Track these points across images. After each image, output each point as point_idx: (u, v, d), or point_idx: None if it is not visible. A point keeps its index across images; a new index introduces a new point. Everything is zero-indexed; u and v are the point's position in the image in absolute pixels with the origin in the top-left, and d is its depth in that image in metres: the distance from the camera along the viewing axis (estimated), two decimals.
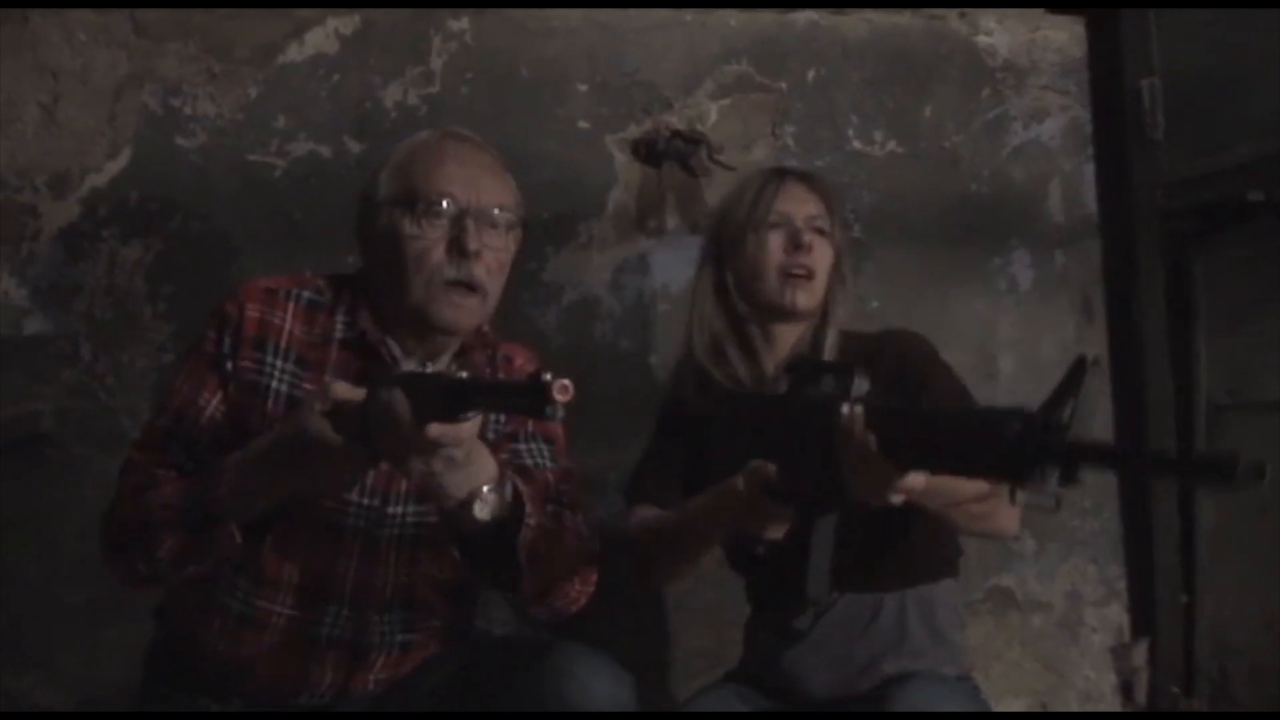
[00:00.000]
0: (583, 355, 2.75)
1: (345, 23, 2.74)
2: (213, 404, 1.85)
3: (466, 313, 1.87)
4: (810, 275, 2.15)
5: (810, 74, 2.94)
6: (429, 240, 1.84)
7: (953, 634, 2.15)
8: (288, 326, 1.88)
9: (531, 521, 1.73)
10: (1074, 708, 2.94)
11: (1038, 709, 2.93)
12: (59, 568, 2.49)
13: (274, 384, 1.85)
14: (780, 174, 2.26)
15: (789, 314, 2.15)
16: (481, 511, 1.67)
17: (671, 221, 2.84)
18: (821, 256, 2.17)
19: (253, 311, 1.87)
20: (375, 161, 2.63)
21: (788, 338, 2.19)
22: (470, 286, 1.85)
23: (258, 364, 1.85)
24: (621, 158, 2.83)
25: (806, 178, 2.27)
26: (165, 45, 2.67)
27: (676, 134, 2.81)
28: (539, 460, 1.96)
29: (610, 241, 2.82)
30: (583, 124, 2.82)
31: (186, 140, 2.67)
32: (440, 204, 1.85)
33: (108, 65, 2.64)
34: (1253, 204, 2.74)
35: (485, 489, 1.67)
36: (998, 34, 3.03)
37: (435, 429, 1.56)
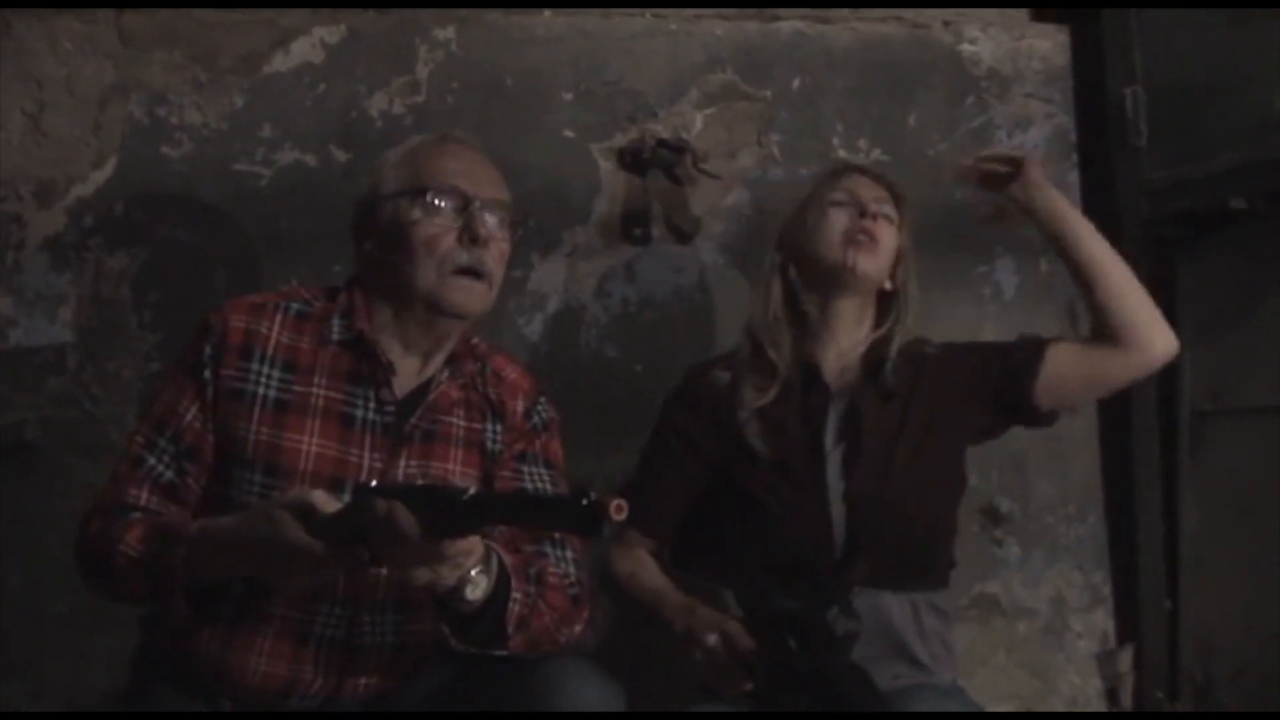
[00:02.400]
0: (568, 363, 2.76)
1: (331, 32, 2.75)
2: (191, 412, 1.87)
3: (476, 297, 1.91)
4: (874, 242, 2.19)
5: (795, 82, 2.95)
6: (438, 228, 1.89)
7: (950, 640, 2.19)
8: (274, 335, 1.90)
9: (518, 595, 1.77)
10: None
11: None
12: (45, 576, 2.49)
13: (260, 390, 1.87)
14: (845, 165, 2.37)
15: (850, 276, 2.18)
16: (474, 593, 1.70)
17: (657, 230, 2.84)
18: (886, 233, 2.21)
19: (238, 322, 1.89)
20: (361, 171, 2.66)
21: (848, 326, 2.23)
22: (478, 273, 1.90)
23: (242, 371, 1.87)
24: (607, 166, 2.84)
25: (876, 172, 2.34)
26: (151, 54, 2.68)
27: (661, 142, 2.82)
28: (539, 484, 2.00)
29: (596, 250, 2.82)
30: (568, 133, 2.83)
31: (172, 149, 2.68)
32: (449, 194, 1.90)
33: (93, 74, 2.65)
34: (1235, 211, 2.74)
35: (474, 571, 1.69)
36: (982, 42, 3.04)
37: (452, 547, 1.60)
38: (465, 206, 1.90)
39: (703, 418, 2.23)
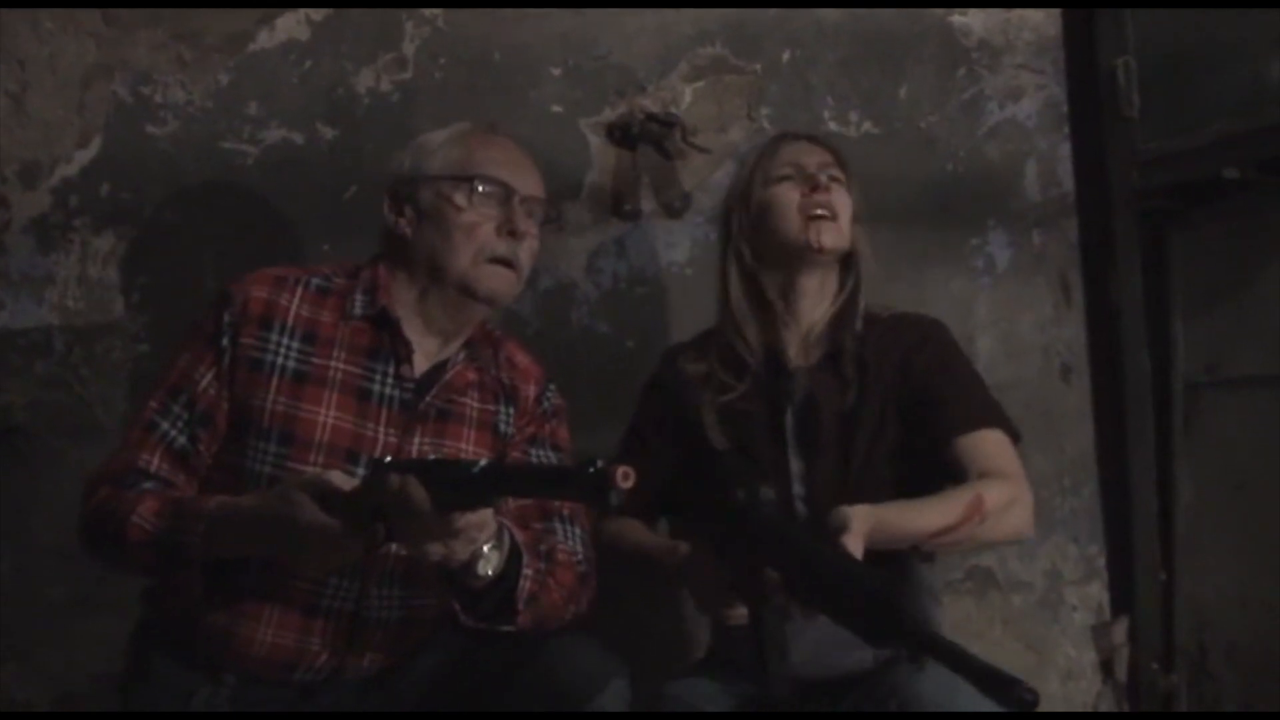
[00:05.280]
0: (559, 340, 2.74)
1: (316, 9, 2.72)
2: (207, 378, 1.89)
3: (507, 284, 1.99)
4: (833, 216, 2.14)
5: (785, 55, 2.93)
6: (480, 216, 1.96)
7: (932, 614, 2.16)
8: (295, 308, 1.94)
9: (529, 572, 1.80)
10: (1055, 686, 2.95)
11: None
12: (35, 560, 2.49)
13: (279, 360, 1.90)
14: (782, 135, 2.31)
15: (814, 254, 2.14)
16: (485, 569, 1.73)
17: (647, 205, 2.82)
18: (841, 201, 2.17)
19: (259, 293, 1.93)
20: (348, 148, 2.66)
21: (811, 302, 2.19)
22: (511, 264, 1.97)
23: (261, 341, 1.90)
24: (596, 141, 2.82)
25: (810, 136, 2.31)
26: (134, 33, 2.65)
27: (651, 117, 2.80)
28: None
29: (586, 225, 2.80)
30: (556, 108, 2.81)
31: (157, 129, 2.65)
32: (494, 184, 1.97)
33: (76, 54, 2.63)
34: (1228, 181, 2.73)
35: (487, 547, 1.71)
36: (972, 14, 3.02)
37: (463, 520, 1.61)
38: (507, 199, 1.97)
39: (670, 407, 2.23)
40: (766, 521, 1.68)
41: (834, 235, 2.14)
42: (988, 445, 2.06)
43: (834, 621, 1.56)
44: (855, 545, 1.73)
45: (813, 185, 2.15)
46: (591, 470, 1.41)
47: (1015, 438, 2.12)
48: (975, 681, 1.39)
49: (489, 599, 1.77)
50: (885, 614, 1.46)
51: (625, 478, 1.39)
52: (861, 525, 1.77)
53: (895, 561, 2.02)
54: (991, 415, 2.10)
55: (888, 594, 1.47)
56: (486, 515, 1.66)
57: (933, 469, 2.12)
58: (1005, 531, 2.02)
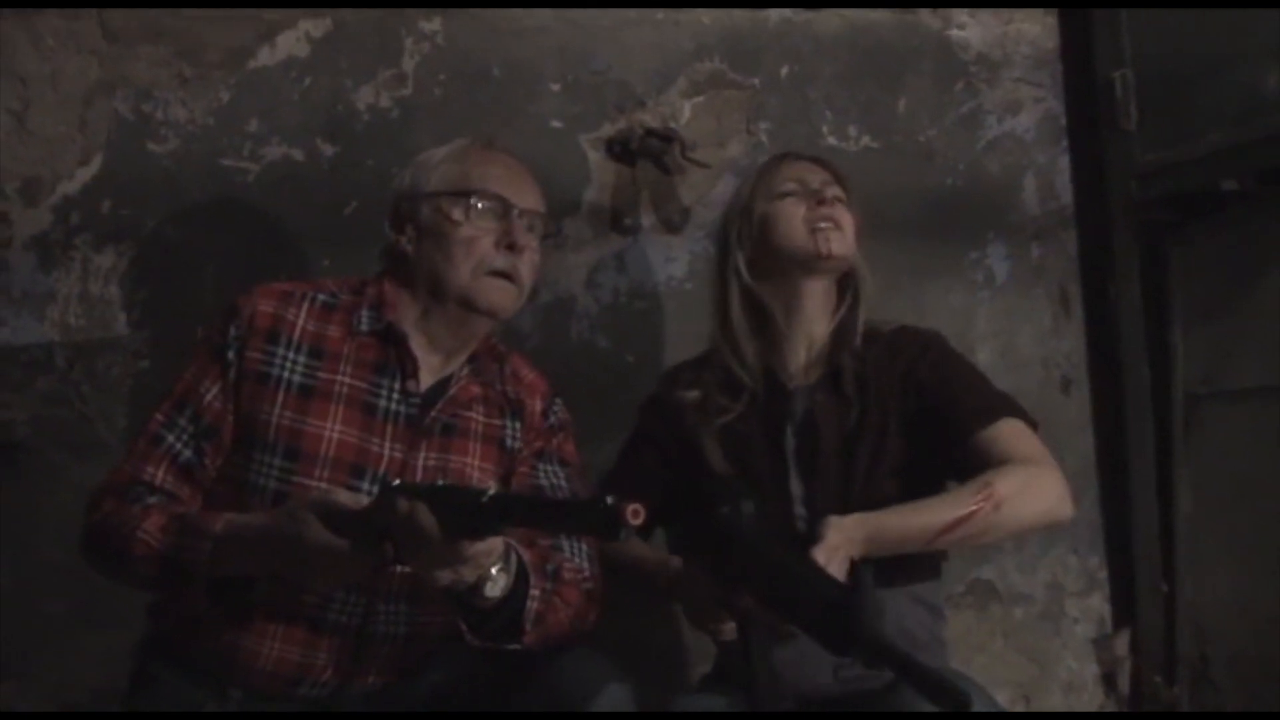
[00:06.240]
0: (559, 354, 2.73)
1: (316, 25, 2.73)
2: (213, 392, 1.90)
3: (508, 297, 1.99)
4: (838, 226, 2.16)
5: (784, 70, 2.94)
6: (478, 230, 1.97)
7: (939, 631, 2.16)
8: (301, 322, 1.95)
9: (536, 592, 1.80)
10: (1057, 699, 2.95)
11: (1020, 701, 2.93)
12: (36, 576, 2.48)
13: (285, 374, 1.91)
14: (784, 154, 2.32)
15: (822, 261, 2.14)
16: (493, 590, 1.72)
17: (646, 220, 2.83)
18: (844, 216, 2.18)
19: (266, 307, 1.94)
20: (349, 164, 2.67)
21: (813, 315, 2.19)
22: (511, 278, 1.97)
23: (268, 355, 1.91)
24: (595, 156, 2.82)
25: (812, 156, 2.31)
26: (135, 50, 2.65)
27: (650, 132, 2.80)
28: (555, 482, 2.06)
29: (585, 240, 2.81)
30: (556, 123, 2.81)
31: (158, 146, 2.65)
32: (492, 199, 1.98)
33: (77, 71, 2.63)
34: (1226, 193, 2.74)
35: (494, 569, 1.71)
36: (970, 27, 3.04)
37: (472, 549, 1.61)
38: (505, 214, 1.98)
39: (670, 429, 2.24)
40: (739, 532, 1.69)
41: (841, 243, 2.15)
42: (1006, 434, 2.05)
43: (800, 631, 1.58)
44: (828, 555, 1.76)
45: (818, 199, 2.17)
46: (602, 506, 1.42)
47: (1033, 425, 2.11)
48: (920, 688, 1.41)
49: (496, 619, 1.77)
50: (841, 622, 1.49)
51: (635, 515, 1.39)
52: (839, 535, 1.79)
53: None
54: (1004, 406, 2.10)
55: (843, 603, 1.49)
56: (495, 541, 1.66)
57: (935, 483, 2.12)
58: (1030, 515, 2.00)
